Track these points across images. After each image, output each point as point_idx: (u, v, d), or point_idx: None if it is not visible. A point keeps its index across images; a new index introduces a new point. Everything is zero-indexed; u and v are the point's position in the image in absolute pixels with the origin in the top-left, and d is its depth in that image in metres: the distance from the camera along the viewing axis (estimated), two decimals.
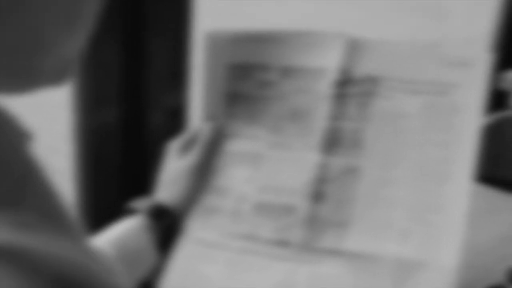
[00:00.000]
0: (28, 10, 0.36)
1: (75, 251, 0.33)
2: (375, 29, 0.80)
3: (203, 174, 0.84)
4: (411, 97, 0.78)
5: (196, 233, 0.82)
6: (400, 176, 0.78)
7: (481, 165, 0.77)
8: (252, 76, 0.85)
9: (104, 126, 1.13)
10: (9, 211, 0.31)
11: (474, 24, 0.76)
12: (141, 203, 0.84)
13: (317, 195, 0.79)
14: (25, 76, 0.39)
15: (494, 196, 1.26)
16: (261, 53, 0.84)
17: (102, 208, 1.14)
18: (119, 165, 1.16)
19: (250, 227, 0.80)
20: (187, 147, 0.86)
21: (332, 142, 0.80)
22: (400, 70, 0.79)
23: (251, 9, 0.81)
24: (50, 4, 0.37)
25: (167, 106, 1.16)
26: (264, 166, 0.83)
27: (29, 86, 0.40)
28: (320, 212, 0.79)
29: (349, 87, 0.80)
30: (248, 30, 0.84)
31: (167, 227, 0.81)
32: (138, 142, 1.17)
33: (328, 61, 0.81)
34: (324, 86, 0.81)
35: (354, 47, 0.80)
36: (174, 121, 1.11)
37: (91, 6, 0.41)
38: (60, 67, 0.41)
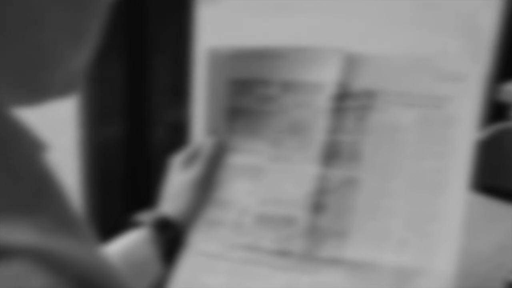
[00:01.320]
0: (38, 27, 0.38)
1: (92, 256, 0.34)
2: (373, 42, 0.82)
3: (205, 187, 0.86)
4: (406, 110, 0.80)
5: (199, 245, 0.84)
6: (397, 187, 0.79)
7: (481, 175, 0.79)
8: (253, 91, 0.87)
9: (108, 141, 1.15)
10: (30, 217, 0.32)
11: (471, 35, 0.78)
12: (146, 216, 0.85)
13: (317, 206, 0.81)
14: (35, 89, 0.41)
15: (493, 206, 1.28)
16: (261, 68, 0.86)
17: (107, 220, 1.16)
18: (123, 179, 1.18)
19: (252, 238, 0.82)
20: (189, 161, 0.88)
21: (331, 154, 0.82)
22: (396, 84, 0.81)
23: (251, 25, 0.83)
24: (58, 21, 0.39)
25: (169, 121, 1.18)
26: (265, 179, 0.85)
27: (38, 98, 0.42)
28: (320, 222, 0.80)
29: (347, 101, 0.82)
30: (248, 47, 0.87)
31: (171, 239, 0.83)
32: (141, 156, 1.19)
33: (326, 76, 0.83)
34: (323, 100, 0.83)
35: (351, 62, 0.82)
36: (176, 136, 1.13)
37: (96, 22, 0.43)
38: (67, 80, 0.43)
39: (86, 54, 0.43)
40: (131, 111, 1.17)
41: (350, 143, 0.82)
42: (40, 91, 0.42)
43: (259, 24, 0.86)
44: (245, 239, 0.83)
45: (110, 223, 1.14)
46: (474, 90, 0.78)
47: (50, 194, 0.36)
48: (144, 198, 1.02)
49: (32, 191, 0.34)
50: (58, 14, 0.39)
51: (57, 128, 1.16)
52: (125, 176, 1.18)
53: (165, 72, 1.16)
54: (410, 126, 0.80)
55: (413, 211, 0.79)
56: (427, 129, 0.80)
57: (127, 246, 0.81)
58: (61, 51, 0.41)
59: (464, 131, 0.78)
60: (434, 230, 0.77)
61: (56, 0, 0.38)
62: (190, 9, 0.89)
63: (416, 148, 0.80)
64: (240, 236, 0.83)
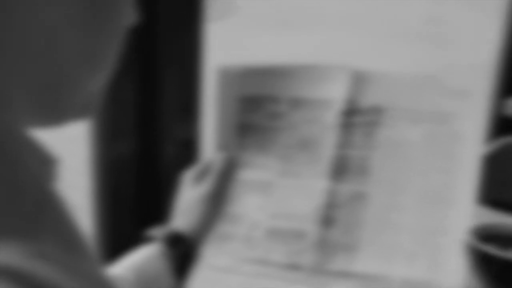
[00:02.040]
0: (55, 50, 0.39)
1: (88, 281, 0.34)
2: (379, 57, 0.83)
3: (216, 202, 0.87)
4: (413, 126, 0.82)
5: (211, 259, 0.85)
6: (405, 202, 0.81)
7: (488, 189, 0.80)
8: (262, 108, 0.88)
9: (119, 157, 1.17)
10: (25, 240, 0.32)
11: (477, 51, 0.79)
12: (157, 231, 0.86)
13: (327, 220, 0.82)
14: (51, 112, 0.42)
15: (500, 219, 1.28)
16: (271, 86, 0.87)
17: (118, 236, 1.17)
18: (134, 194, 1.19)
19: (263, 252, 0.83)
20: (200, 177, 0.89)
21: (340, 169, 0.83)
22: (403, 100, 0.82)
23: (259, 42, 0.84)
24: (75, 45, 0.40)
25: (179, 138, 1.19)
26: (275, 194, 0.86)
27: (57, 120, 0.43)
28: (330, 236, 0.82)
29: (355, 117, 0.84)
30: (257, 65, 0.88)
31: (182, 253, 0.84)
32: (152, 172, 1.20)
33: (335, 93, 0.85)
34: (331, 116, 0.85)
35: (359, 79, 0.84)
36: (186, 152, 1.14)
37: (112, 46, 0.44)
38: (84, 102, 0.44)
39: (103, 77, 0.44)
40: (141, 128, 1.19)
41: (359, 158, 0.83)
42: (56, 113, 0.43)
43: (267, 40, 0.87)
44: (255, 253, 0.84)
45: (121, 239, 1.15)
46: (479, 106, 0.79)
47: (51, 214, 0.36)
48: (155, 213, 1.04)
49: (32, 211, 0.35)
50: (74, 38, 0.40)
51: (68, 145, 1.18)
52: (136, 192, 1.19)
53: (175, 89, 1.18)
54: (417, 142, 0.81)
55: (421, 225, 0.80)
56: (434, 144, 0.81)
57: (140, 261, 0.82)
58: (77, 74, 0.42)
59: (470, 146, 0.79)
60: (442, 244, 0.78)
61: (73, 24, 0.39)
62: (199, 27, 0.90)
63: (423, 163, 0.81)
64: (251, 250, 0.84)
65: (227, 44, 0.89)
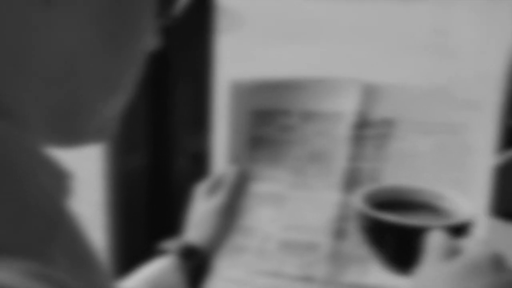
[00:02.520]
0: (76, 77, 0.40)
1: None
2: (387, 69, 0.84)
3: (229, 215, 0.88)
4: (424, 137, 0.82)
5: (224, 272, 0.86)
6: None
7: (499, 200, 0.80)
8: (274, 121, 0.89)
9: (131, 171, 1.18)
10: (32, 258, 0.32)
11: (485, 62, 0.80)
12: (171, 244, 0.87)
13: (339, 232, 0.83)
14: (69, 134, 0.43)
15: None
16: (282, 99, 0.88)
17: (131, 250, 1.18)
18: (146, 208, 1.20)
19: (276, 264, 0.84)
20: (213, 189, 0.90)
21: (352, 181, 0.84)
22: (413, 112, 0.83)
23: (269, 54, 0.85)
24: (93, 70, 0.41)
25: (191, 151, 1.20)
26: (287, 206, 0.86)
27: (72, 142, 0.44)
28: (343, 248, 0.82)
29: (366, 129, 0.84)
30: (269, 78, 0.89)
31: (196, 266, 0.85)
32: (164, 185, 1.21)
33: (346, 105, 0.86)
34: (343, 129, 0.85)
35: (369, 92, 0.85)
36: (198, 165, 1.15)
37: (130, 72, 0.44)
38: (101, 126, 0.44)
39: (120, 102, 0.45)
40: (153, 141, 1.20)
41: (370, 170, 0.84)
42: (72, 136, 0.43)
43: (277, 52, 0.88)
44: (268, 265, 0.84)
45: (135, 252, 1.16)
46: (490, 117, 0.80)
47: (63, 230, 0.37)
48: (168, 226, 1.04)
49: (43, 227, 0.35)
50: (93, 64, 0.40)
51: (80, 159, 1.19)
52: (149, 205, 1.20)
53: (187, 103, 1.19)
54: (428, 153, 0.82)
55: None
56: (445, 156, 0.81)
57: (153, 273, 0.82)
58: (94, 99, 0.42)
59: (481, 157, 0.80)
60: None
61: (92, 50, 0.39)
62: (210, 40, 0.91)
63: (434, 174, 0.81)
64: (264, 262, 0.85)
65: (238, 57, 0.90)
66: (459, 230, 0.61)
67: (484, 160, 0.80)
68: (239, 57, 0.90)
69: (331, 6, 0.86)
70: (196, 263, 0.84)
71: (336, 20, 0.85)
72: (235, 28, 0.89)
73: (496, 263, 0.53)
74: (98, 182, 1.18)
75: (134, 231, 1.19)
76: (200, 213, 0.88)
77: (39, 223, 0.35)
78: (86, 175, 1.19)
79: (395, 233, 0.62)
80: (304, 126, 0.88)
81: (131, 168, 1.17)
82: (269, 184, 0.88)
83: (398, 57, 0.83)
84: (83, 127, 0.43)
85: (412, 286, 0.56)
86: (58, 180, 0.40)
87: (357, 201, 0.66)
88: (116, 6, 0.40)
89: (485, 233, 0.78)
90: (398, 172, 0.83)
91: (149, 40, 0.45)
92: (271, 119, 0.89)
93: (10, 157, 0.35)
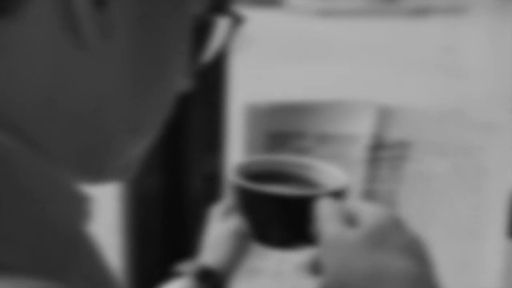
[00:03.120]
0: (104, 119, 0.40)
1: None
2: (399, 89, 0.85)
3: (245, 237, 0.88)
4: (440, 159, 0.82)
5: None
6: (434, 236, 0.81)
7: None
8: (289, 143, 0.90)
9: (146, 193, 1.18)
10: (52, 284, 0.32)
11: (497, 81, 0.80)
12: (187, 266, 0.87)
13: None
14: (95, 172, 0.43)
15: None
16: (297, 121, 0.89)
17: (147, 272, 1.18)
18: (161, 230, 1.20)
19: (292, 286, 0.84)
20: (229, 211, 0.90)
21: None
22: (428, 134, 0.83)
23: (282, 74, 0.86)
24: (124, 115, 0.41)
25: (206, 173, 1.21)
26: None
27: (96, 179, 0.44)
28: None
29: (382, 152, 0.85)
30: (284, 101, 0.90)
31: None
32: (179, 207, 1.22)
33: (361, 128, 0.86)
34: (358, 151, 0.86)
35: (384, 114, 0.85)
36: (213, 187, 1.15)
37: (159, 117, 0.44)
38: (124, 165, 0.45)
39: (145, 142, 0.45)
40: (168, 163, 1.20)
41: (386, 192, 0.84)
42: (96, 173, 0.43)
43: (289, 72, 0.89)
44: (285, 287, 0.84)
45: (150, 274, 1.16)
46: (506, 139, 0.80)
47: (79, 253, 0.37)
48: (183, 248, 1.05)
49: (59, 251, 0.35)
50: (121, 107, 0.41)
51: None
52: (164, 227, 1.21)
53: (201, 124, 1.19)
54: (444, 176, 0.82)
55: (449, 259, 0.80)
56: (461, 178, 0.81)
57: None
58: (120, 140, 0.42)
59: (497, 179, 0.80)
60: (473, 279, 0.78)
61: (122, 94, 0.40)
62: (224, 61, 0.92)
63: (451, 197, 0.81)
64: (280, 284, 0.84)
65: (252, 78, 0.91)
66: (338, 196, 0.58)
67: (500, 183, 0.80)
68: (253, 79, 0.91)
69: (340, 25, 0.87)
70: (212, 286, 0.84)
71: (346, 39, 0.86)
72: (247, 49, 0.90)
73: (396, 223, 0.53)
74: (113, 204, 1.18)
75: (150, 253, 1.20)
76: (216, 235, 0.88)
77: (58, 248, 0.35)
78: (101, 197, 1.20)
79: (276, 205, 0.59)
80: (319, 148, 0.88)
81: (146, 190, 1.18)
82: None
83: (408, 76, 0.84)
84: (106, 165, 0.43)
85: (324, 258, 0.53)
86: (78, 204, 0.40)
87: (233, 175, 0.63)
88: (149, 51, 0.40)
89: (504, 255, 0.78)
90: (414, 194, 0.83)
91: (180, 82, 0.45)
92: (286, 141, 0.90)
93: (30, 182, 0.36)
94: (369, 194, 0.84)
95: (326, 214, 0.55)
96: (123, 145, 0.43)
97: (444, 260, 0.80)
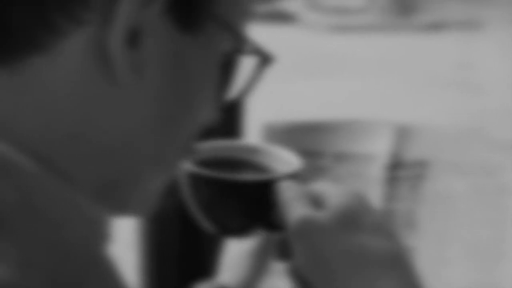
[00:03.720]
0: (131, 152, 0.41)
1: None
2: (415, 105, 0.85)
3: (263, 257, 0.87)
4: (459, 178, 0.82)
5: None
6: (454, 255, 0.80)
7: None
8: (307, 162, 0.90)
9: (163, 212, 1.18)
10: None
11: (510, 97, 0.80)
12: (204, 286, 0.87)
13: None
14: (115, 204, 0.43)
15: None
16: (315, 141, 0.89)
17: None
18: (179, 250, 1.20)
19: None
20: None
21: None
22: (448, 153, 0.83)
23: (298, 91, 0.86)
24: (149, 149, 0.41)
25: None
26: None
27: (116, 212, 0.43)
28: None
29: (400, 171, 0.84)
30: (301, 120, 0.90)
31: None
32: (196, 227, 1.22)
33: (379, 147, 0.86)
34: (376, 170, 0.86)
35: (403, 133, 0.85)
36: None
37: (184, 151, 0.44)
38: (144, 199, 0.44)
39: (165, 177, 0.45)
40: None
41: (405, 212, 0.83)
42: (115, 206, 0.43)
43: (303, 88, 0.89)
44: None
45: None
46: None
47: (97, 276, 0.37)
48: (201, 268, 1.04)
49: (77, 275, 0.35)
50: (147, 141, 0.41)
51: None
52: (181, 246, 1.21)
53: None
54: (463, 195, 0.82)
55: (470, 279, 0.79)
56: (481, 197, 0.81)
57: None
58: (143, 173, 0.42)
59: None
60: None
61: (148, 128, 0.40)
62: None
63: (470, 216, 0.81)
64: None
65: (265, 95, 0.91)
66: (295, 179, 0.55)
67: None
68: (267, 95, 0.91)
69: (354, 41, 0.87)
70: None
71: (360, 55, 0.86)
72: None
73: (363, 202, 0.53)
74: (130, 223, 1.19)
75: (167, 272, 1.20)
76: (233, 254, 0.88)
77: (77, 271, 0.36)
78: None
79: (234, 191, 0.57)
80: (337, 167, 0.88)
81: (164, 208, 1.18)
82: None
83: (423, 92, 0.84)
84: (126, 199, 0.43)
85: (294, 242, 0.51)
86: (97, 227, 0.40)
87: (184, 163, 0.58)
88: (178, 89, 0.40)
89: None
90: (433, 213, 0.82)
91: (206, 116, 0.45)
92: (304, 160, 0.90)
93: (50, 205, 0.37)
94: (388, 214, 0.84)
95: (289, 197, 0.53)
96: (145, 179, 0.43)
97: (465, 280, 0.80)
